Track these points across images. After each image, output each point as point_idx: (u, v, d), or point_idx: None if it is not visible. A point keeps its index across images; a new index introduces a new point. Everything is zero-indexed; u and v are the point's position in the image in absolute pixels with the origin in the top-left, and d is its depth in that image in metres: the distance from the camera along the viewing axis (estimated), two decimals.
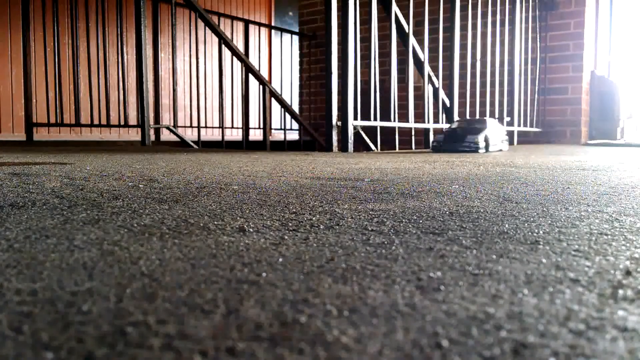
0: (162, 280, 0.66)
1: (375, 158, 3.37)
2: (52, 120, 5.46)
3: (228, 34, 6.33)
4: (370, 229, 0.99)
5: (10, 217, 1.08)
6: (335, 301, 0.58)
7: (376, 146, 4.78)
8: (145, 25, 4.40)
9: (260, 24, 7.39)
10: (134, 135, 6.72)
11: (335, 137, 4.30)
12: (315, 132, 5.51)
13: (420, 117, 5.50)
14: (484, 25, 5.89)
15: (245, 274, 0.69)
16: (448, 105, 5.52)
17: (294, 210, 1.20)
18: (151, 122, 5.50)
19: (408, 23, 5.01)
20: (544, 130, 6.75)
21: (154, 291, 0.61)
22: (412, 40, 5.09)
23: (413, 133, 5.20)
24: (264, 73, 8.61)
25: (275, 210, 1.20)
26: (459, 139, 4.02)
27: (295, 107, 8.02)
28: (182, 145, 5.05)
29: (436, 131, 5.40)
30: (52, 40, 5.09)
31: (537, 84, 6.68)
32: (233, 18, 6.64)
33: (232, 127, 6.34)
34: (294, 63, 8.24)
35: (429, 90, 5.28)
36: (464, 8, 5.59)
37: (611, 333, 0.50)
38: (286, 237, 0.91)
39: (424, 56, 5.18)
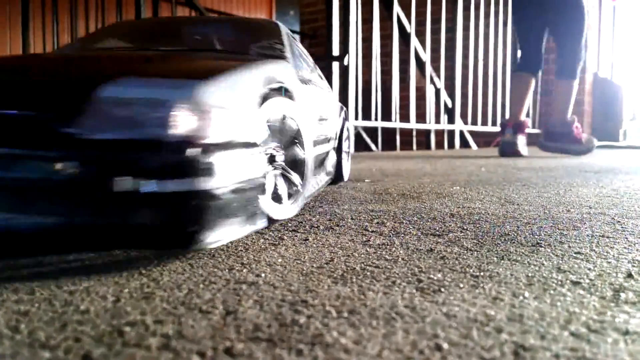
0: (160, 280, 0.66)
1: (375, 158, 3.37)
2: None
3: None
4: (370, 229, 0.99)
5: None
6: (335, 302, 0.58)
7: (377, 146, 4.78)
8: None
9: None
10: None
11: None
12: None
13: (421, 117, 5.49)
14: (487, 25, 5.89)
15: (244, 274, 0.68)
16: (450, 105, 5.52)
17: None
18: None
19: (410, 23, 5.00)
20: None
21: (152, 291, 0.61)
22: (414, 40, 5.09)
23: (414, 134, 5.20)
24: None
25: None
26: None
27: None
28: None
29: (437, 132, 5.39)
30: (52, 40, 5.09)
31: (538, 85, 6.67)
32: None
33: None
34: None
35: (430, 90, 5.28)
36: (466, 8, 5.58)
37: (612, 336, 0.49)
38: (285, 238, 0.91)
39: (426, 56, 5.17)
